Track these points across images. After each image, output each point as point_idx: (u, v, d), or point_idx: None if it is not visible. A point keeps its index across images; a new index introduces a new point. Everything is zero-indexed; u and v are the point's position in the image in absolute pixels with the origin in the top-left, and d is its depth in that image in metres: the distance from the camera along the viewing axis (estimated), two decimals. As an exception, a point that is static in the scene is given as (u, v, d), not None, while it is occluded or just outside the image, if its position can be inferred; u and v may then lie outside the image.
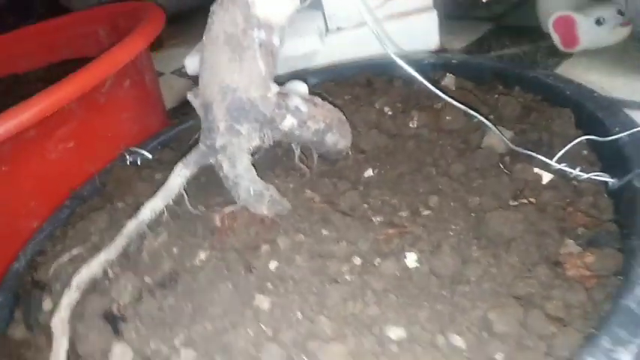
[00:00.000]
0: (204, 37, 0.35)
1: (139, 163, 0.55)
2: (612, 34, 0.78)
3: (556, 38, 0.83)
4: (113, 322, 0.34)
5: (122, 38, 0.67)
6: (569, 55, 0.83)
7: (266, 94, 0.36)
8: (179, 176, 0.36)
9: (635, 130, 0.37)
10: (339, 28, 0.98)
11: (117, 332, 0.33)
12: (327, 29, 0.98)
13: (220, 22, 0.34)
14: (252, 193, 0.37)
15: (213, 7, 0.34)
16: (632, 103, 0.68)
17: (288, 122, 0.37)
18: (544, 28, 0.84)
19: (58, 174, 0.61)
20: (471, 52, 0.95)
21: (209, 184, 0.42)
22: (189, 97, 0.37)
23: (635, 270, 0.27)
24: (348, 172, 0.43)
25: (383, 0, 0.74)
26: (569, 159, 0.38)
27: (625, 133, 0.36)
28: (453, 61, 0.55)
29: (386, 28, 0.95)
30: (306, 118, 0.38)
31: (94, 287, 0.35)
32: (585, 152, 0.39)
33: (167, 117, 0.87)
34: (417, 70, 0.55)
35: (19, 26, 1.06)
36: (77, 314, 0.34)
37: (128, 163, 0.56)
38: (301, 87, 0.39)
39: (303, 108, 0.37)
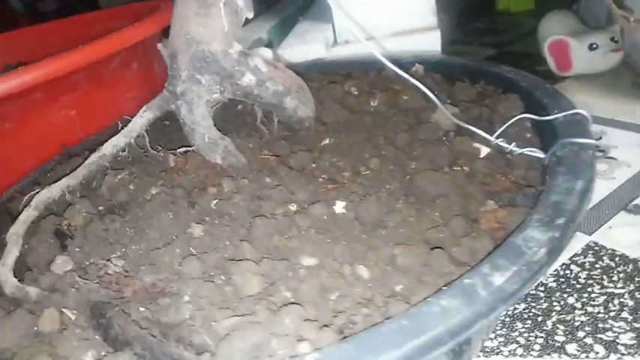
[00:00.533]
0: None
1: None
2: (604, 59, 0.80)
3: (551, 61, 0.85)
4: (62, 239, 0.37)
5: None
6: (562, 79, 0.85)
7: (227, 49, 0.39)
8: (142, 117, 0.40)
9: (570, 112, 0.38)
10: (346, 41, 1.02)
11: (63, 247, 0.36)
12: (335, 41, 1.03)
13: (191, -21, 0.38)
14: (206, 140, 0.40)
15: (187, -32, 0.39)
16: (614, 121, 0.69)
17: (247, 79, 0.40)
18: (543, 53, 0.86)
19: (57, 137, 0.66)
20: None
21: (174, 131, 0.45)
22: (159, 47, 0.40)
23: (532, 216, 0.29)
24: (307, 140, 0.45)
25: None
26: (512, 138, 0.40)
27: (561, 114, 0.38)
28: (431, 59, 0.58)
29: (391, 44, 1.00)
30: (265, 78, 0.41)
31: (52, 209, 0.39)
32: (529, 135, 0.41)
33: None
34: (399, 65, 0.58)
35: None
36: (32, 230, 0.37)
37: (120, 128, 0.60)
38: (266, 52, 0.42)
39: (263, 68, 0.41)
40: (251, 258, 0.32)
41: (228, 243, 0.33)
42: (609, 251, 0.47)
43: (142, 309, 0.29)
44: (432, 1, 0.96)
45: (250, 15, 0.41)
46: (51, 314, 0.30)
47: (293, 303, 0.28)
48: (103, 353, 0.28)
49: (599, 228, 0.51)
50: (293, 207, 0.36)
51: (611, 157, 0.61)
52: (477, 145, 0.40)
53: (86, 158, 0.41)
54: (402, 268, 0.30)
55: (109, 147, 0.39)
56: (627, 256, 0.46)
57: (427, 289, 0.29)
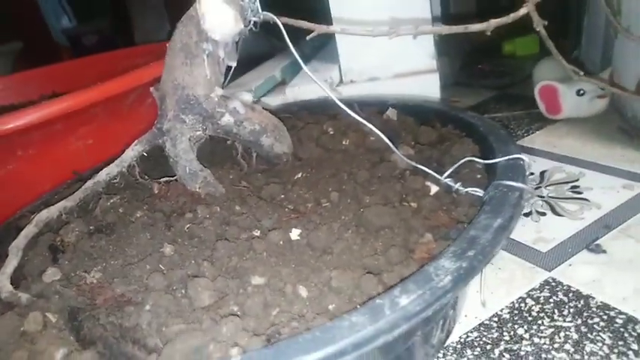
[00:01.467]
0: (167, 45, 0.45)
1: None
2: (591, 105, 0.83)
3: (541, 105, 0.89)
4: (55, 253, 0.42)
5: None
6: (553, 122, 0.88)
7: (209, 93, 0.45)
8: (133, 150, 0.46)
9: (511, 156, 0.42)
10: (352, 81, 1.09)
11: (55, 260, 0.41)
12: (341, 81, 1.09)
13: (180, 34, 0.44)
14: (187, 171, 0.45)
15: (178, 24, 0.45)
16: (595, 164, 0.72)
17: (226, 119, 0.46)
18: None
19: (74, 163, 0.73)
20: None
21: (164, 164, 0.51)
22: (152, 90, 0.47)
23: (449, 248, 0.33)
24: (282, 173, 0.50)
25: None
26: (464, 178, 0.44)
27: (502, 158, 0.42)
28: (409, 103, 0.62)
29: (392, 85, 1.05)
30: (243, 118, 0.46)
31: (51, 227, 0.44)
32: (479, 176, 0.45)
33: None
34: (378, 107, 0.63)
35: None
36: (31, 244, 0.43)
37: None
38: (246, 96, 0.48)
39: (241, 110, 0.46)
40: (209, 276, 0.36)
41: (193, 262, 0.38)
42: (565, 287, 0.50)
43: (109, 314, 0.34)
44: (431, 46, 1.02)
45: (233, 64, 0.47)
46: (35, 317, 0.35)
47: (235, 315, 0.32)
48: (73, 350, 0.33)
49: (559, 265, 0.53)
50: (256, 232, 0.41)
51: (583, 199, 0.64)
52: (428, 183, 0.44)
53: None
54: (336, 290, 0.34)
55: (103, 175, 0.45)
56: (581, 292, 0.49)
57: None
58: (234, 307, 0.34)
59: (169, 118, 0.45)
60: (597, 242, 0.55)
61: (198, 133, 0.46)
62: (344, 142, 0.53)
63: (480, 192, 0.41)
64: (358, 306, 0.31)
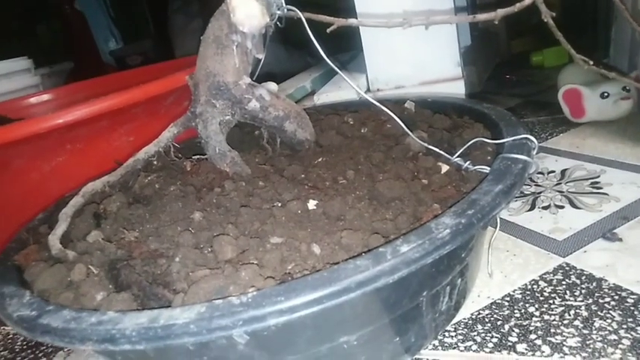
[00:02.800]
0: (201, 37, 0.50)
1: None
2: (615, 107, 0.83)
3: (565, 109, 0.90)
4: (98, 219, 0.47)
5: None
6: (577, 125, 0.89)
7: (238, 81, 0.49)
8: (169, 132, 0.50)
9: (519, 136, 0.44)
10: (379, 90, 1.13)
11: (98, 225, 0.46)
12: (368, 89, 1.13)
13: (212, 27, 0.49)
14: (217, 151, 0.50)
15: (211, 18, 0.50)
16: (616, 162, 0.72)
17: (253, 105, 0.50)
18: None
19: (116, 158, 0.79)
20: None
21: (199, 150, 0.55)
22: (187, 78, 0.52)
23: (450, 208, 0.35)
24: (304, 158, 0.54)
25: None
26: (475, 159, 0.46)
27: (509, 139, 0.45)
28: (428, 99, 0.65)
29: (419, 92, 1.09)
30: (268, 105, 0.51)
31: (95, 199, 0.49)
32: (489, 157, 0.47)
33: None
34: (398, 102, 0.66)
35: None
36: (78, 213, 0.48)
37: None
38: (271, 85, 0.52)
39: (267, 97, 0.51)
40: (232, 236, 0.40)
41: (219, 225, 0.42)
42: (578, 271, 0.51)
43: (143, 265, 0.38)
44: (456, 54, 1.05)
45: (260, 56, 0.52)
46: (80, 268, 0.40)
47: (253, 264, 0.36)
48: (111, 293, 0.37)
49: (574, 252, 0.54)
50: (277, 204, 0.45)
51: (602, 193, 0.64)
52: (439, 163, 0.47)
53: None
54: (346, 247, 0.37)
55: (142, 153, 0.50)
56: (593, 275, 0.50)
57: (363, 264, 0.35)
58: (253, 260, 0.37)
59: (202, 102, 0.49)
60: (614, 231, 0.56)
61: (227, 117, 0.50)
62: (362, 130, 0.56)
63: (487, 169, 0.43)
64: (362, 254, 0.34)
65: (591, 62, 0.52)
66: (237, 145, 0.56)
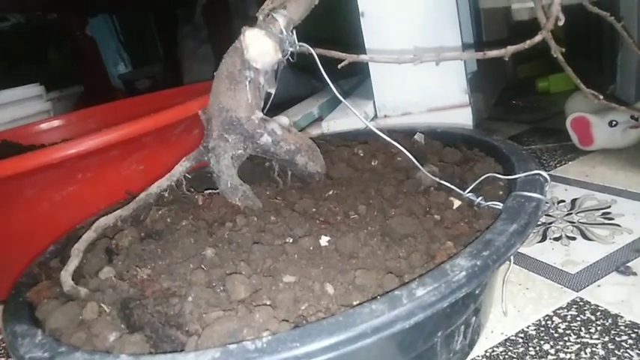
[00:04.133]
0: (214, 73, 0.51)
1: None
2: (624, 135, 0.83)
3: (574, 137, 0.90)
4: (110, 255, 0.47)
5: None
6: (586, 153, 0.89)
7: (250, 116, 0.50)
8: (181, 166, 0.51)
9: (531, 172, 0.44)
10: (386, 116, 1.13)
11: (110, 261, 0.46)
12: (375, 116, 1.14)
13: (226, 63, 0.50)
14: (229, 185, 0.50)
15: (224, 55, 0.51)
16: (626, 192, 0.72)
17: (265, 139, 0.50)
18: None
19: (126, 186, 0.80)
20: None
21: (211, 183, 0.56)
22: (200, 113, 0.52)
23: (465, 249, 0.35)
24: (315, 190, 0.54)
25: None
26: (486, 194, 0.46)
27: (522, 174, 0.45)
28: (438, 130, 0.66)
29: (426, 119, 1.09)
30: (280, 139, 0.51)
31: (107, 233, 0.50)
32: (501, 192, 0.47)
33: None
34: (407, 134, 0.67)
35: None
36: (90, 248, 0.48)
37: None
38: (283, 120, 0.53)
39: (279, 131, 0.51)
40: (245, 274, 0.40)
41: (231, 263, 0.42)
42: (592, 306, 0.50)
43: (156, 304, 0.38)
44: (463, 81, 1.06)
45: (272, 90, 0.53)
46: (92, 306, 0.40)
47: (267, 305, 0.36)
48: (123, 334, 0.36)
49: (587, 286, 0.53)
50: (289, 239, 0.45)
51: (614, 224, 0.64)
52: (451, 198, 0.47)
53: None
54: (360, 287, 0.37)
55: (155, 187, 0.50)
56: (609, 312, 0.49)
57: (378, 305, 0.35)
58: (266, 300, 0.37)
59: (214, 137, 0.50)
60: (627, 265, 0.55)
61: (239, 151, 0.51)
62: (372, 163, 0.56)
63: (500, 205, 0.43)
64: (378, 297, 0.34)
65: (601, 97, 0.52)
66: (247, 177, 0.56)
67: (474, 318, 0.42)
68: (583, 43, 1.35)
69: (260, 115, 0.51)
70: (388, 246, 0.42)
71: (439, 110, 1.07)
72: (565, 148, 0.93)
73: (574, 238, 0.63)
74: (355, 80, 1.46)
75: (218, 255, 0.43)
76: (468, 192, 0.46)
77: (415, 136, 0.61)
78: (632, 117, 0.84)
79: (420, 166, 0.48)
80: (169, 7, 2.15)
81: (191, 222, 0.48)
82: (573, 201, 0.73)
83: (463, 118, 1.05)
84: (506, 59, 0.48)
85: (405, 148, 0.48)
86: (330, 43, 0.52)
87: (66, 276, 0.44)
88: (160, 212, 0.51)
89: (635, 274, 0.53)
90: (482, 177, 0.46)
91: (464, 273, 0.32)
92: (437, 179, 0.48)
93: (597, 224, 0.65)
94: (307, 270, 0.40)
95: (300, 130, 1.16)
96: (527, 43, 0.48)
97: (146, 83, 2.66)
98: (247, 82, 0.49)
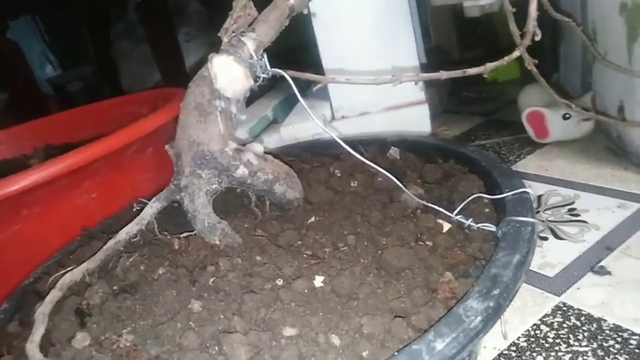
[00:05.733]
0: (181, 104, 0.47)
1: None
2: (577, 128, 0.86)
3: (530, 130, 0.92)
4: (82, 316, 0.42)
5: None
6: (542, 145, 0.92)
7: (224, 148, 0.46)
8: (151, 208, 0.47)
9: (517, 191, 0.44)
10: (343, 117, 1.12)
11: (83, 324, 0.42)
12: (333, 117, 1.12)
13: (193, 93, 0.46)
14: (206, 224, 0.46)
15: (190, 84, 0.47)
16: (588, 186, 0.74)
17: (241, 171, 0.47)
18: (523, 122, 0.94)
19: (79, 218, 0.73)
20: (460, 141, 1.05)
21: (184, 221, 0.52)
22: (167, 148, 0.48)
23: (474, 288, 0.34)
24: (296, 218, 0.52)
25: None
26: (473, 213, 0.46)
27: (509, 193, 0.44)
28: (408, 139, 0.65)
29: (384, 118, 1.09)
30: (256, 169, 0.48)
31: (74, 290, 0.45)
32: (487, 210, 0.47)
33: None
34: (378, 145, 0.65)
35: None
36: (56, 309, 0.43)
37: (134, 210, 0.67)
38: (257, 147, 0.50)
39: (254, 161, 0.48)
40: (240, 330, 0.37)
41: (222, 317, 0.39)
42: (576, 311, 0.52)
43: (147, 377, 0.34)
44: (418, 78, 1.05)
45: (243, 117, 0.49)
46: (71, 384, 0.36)
47: (273, 369, 0.33)
48: (114, 417, 0.33)
49: (567, 289, 0.55)
50: (279, 282, 0.42)
51: (582, 221, 0.66)
52: (440, 221, 0.46)
53: (105, 242, 0.48)
54: (368, 336, 0.35)
55: (123, 234, 0.46)
56: (592, 316, 0.50)
57: (389, 354, 0.34)
58: (270, 360, 0.34)
59: (186, 174, 0.46)
60: (601, 264, 0.57)
61: (214, 186, 0.47)
62: (352, 184, 0.54)
63: (491, 227, 0.43)
64: (395, 353, 0.32)
65: (573, 105, 0.53)
66: (221, 207, 0.52)
67: (477, 345, 0.41)
68: (521, 28, 1.39)
69: (234, 145, 0.48)
70: (386, 282, 0.40)
71: (396, 108, 1.07)
72: (522, 141, 0.96)
73: (546, 238, 0.64)
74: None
75: (206, 308, 0.40)
76: (457, 214, 0.45)
77: (390, 151, 0.60)
78: (583, 109, 0.87)
79: (405, 189, 0.47)
80: (98, 7, 2.01)
81: (169, 269, 0.45)
82: (539, 198, 0.75)
83: (420, 115, 1.05)
84: (486, 77, 0.47)
85: (382, 167, 0.47)
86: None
87: (33, 348, 0.39)
88: (130, 259, 0.47)
89: (609, 273, 0.55)
90: (470, 198, 0.46)
91: (479, 318, 0.31)
92: (424, 202, 0.47)
93: (566, 222, 0.67)
94: (307, 318, 0.38)
95: (256, 137, 1.13)
96: (506, 59, 0.47)
97: (78, 86, 2.49)
98: (218, 113, 0.46)
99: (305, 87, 1.34)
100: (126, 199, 0.78)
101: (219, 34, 0.50)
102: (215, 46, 0.48)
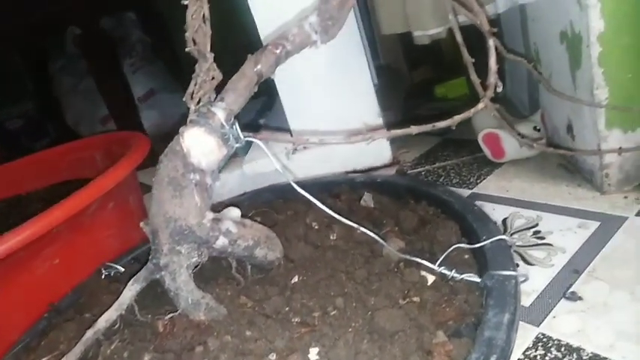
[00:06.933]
0: (153, 180, 0.46)
1: (112, 276, 0.63)
2: (530, 147, 0.90)
3: (486, 151, 0.96)
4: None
5: (114, 162, 0.78)
6: (499, 165, 0.95)
7: (201, 220, 0.45)
8: (130, 290, 0.45)
9: (495, 238, 0.46)
10: (305, 147, 1.12)
11: None
12: (295, 149, 1.12)
13: (165, 168, 0.45)
14: (190, 302, 0.45)
15: (161, 157, 0.46)
16: (548, 206, 0.78)
17: (221, 242, 0.46)
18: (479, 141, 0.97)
19: (43, 288, 0.69)
20: (420, 164, 1.08)
21: (162, 295, 0.50)
22: (142, 225, 0.46)
23: (471, 355, 0.35)
24: (279, 278, 0.51)
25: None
26: (453, 262, 0.47)
27: (488, 241, 0.46)
28: (378, 180, 0.66)
29: (344, 146, 1.10)
30: (236, 237, 0.47)
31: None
32: (467, 256, 0.48)
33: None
34: (348, 187, 0.66)
35: (33, 147, 1.21)
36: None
37: (103, 277, 0.64)
38: (234, 212, 0.49)
39: (234, 229, 0.47)
40: (242, 419, 0.36)
41: (221, 405, 0.38)
42: (556, 342, 0.54)
43: None
44: (376, 104, 1.08)
45: (217, 183, 0.48)
46: None
47: None
48: None
49: (545, 318, 0.57)
50: (273, 356, 0.42)
51: (547, 244, 0.69)
52: (424, 273, 0.47)
53: (76, 321, 0.46)
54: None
55: (102, 322, 0.44)
56: (571, 345, 0.53)
57: None
58: None
59: (165, 252, 0.45)
60: (572, 290, 0.60)
61: (194, 259, 0.46)
62: (331, 237, 0.55)
63: (474, 277, 0.44)
64: None
65: (535, 145, 0.55)
66: (199, 273, 0.51)
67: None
68: (469, 47, 1.45)
69: (211, 215, 0.47)
70: (381, 347, 0.40)
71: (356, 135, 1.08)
72: (479, 161, 0.99)
73: (517, 265, 0.67)
74: (260, 103, 1.42)
75: (201, 396, 0.39)
76: (439, 265, 0.46)
77: (364, 197, 0.60)
78: (534, 128, 0.91)
79: (387, 245, 0.48)
80: (34, 40, 1.92)
81: (155, 355, 0.43)
82: (504, 221, 0.77)
83: (380, 142, 1.07)
84: (453, 128, 0.49)
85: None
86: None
87: None
88: (112, 347, 0.45)
89: (581, 298, 0.58)
90: (450, 249, 0.47)
91: (482, 389, 0.32)
92: (406, 256, 0.47)
93: (533, 246, 0.70)
94: (307, 397, 0.37)
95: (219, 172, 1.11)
96: (472, 111, 0.49)
97: (18, 123, 2.37)
98: (194, 186, 0.45)
99: (259, 112, 1.33)
100: (91, 261, 0.75)
101: (184, 100, 0.49)
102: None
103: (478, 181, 0.93)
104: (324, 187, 0.69)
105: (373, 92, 1.07)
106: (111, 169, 0.78)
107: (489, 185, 0.90)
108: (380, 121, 1.07)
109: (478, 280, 0.44)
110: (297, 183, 0.85)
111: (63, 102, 1.99)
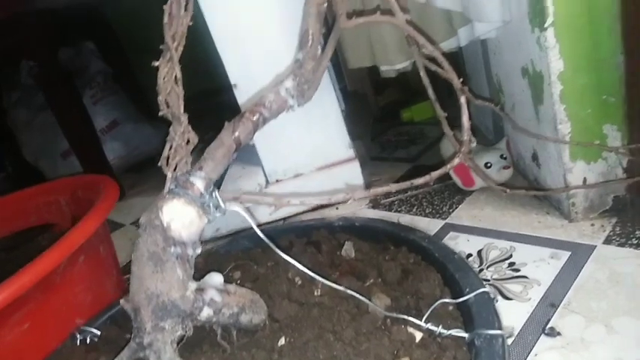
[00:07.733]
0: (132, 255, 0.44)
1: (87, 342, 0.61)
2: (498, 175, 0.93)
3: (457, 180, 0.98)
4: None
5: (80, 207, 0.75)
6: (469, 193, 0.98)
7: (185, 293, 0.44)
8: (113, 372, 0.43)
9: (478, 291, 0.47)
10: (277, 180, 1.12)
11: None
12: (267, 182, 1.11)
13: (144, 242, 0.44)
14: (176, 378, 0.44)
15: (140, 231, 0.44)
16: (520, 236, 0.80)
17: (205, 313, 0.45)
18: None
19: (13, 354, 0.66)
20: (393, 194, 1.09)
21: None
22: (122, 302, 0.45)
23: None
24: (265, 341, 0.50)
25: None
26: (438, 315, 0.48)
27: (471, 295, 0.47)
28: (356, 224, 0.66)
29: (317, 178, 1.10)
30: (221, 306, 0.46)
31: None
32: (451, 308, 0.49)
33: (122, 275, 0.93)
34: (327, 232, 0.66)
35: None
36: None
37: (78, 342, 0.62)
38: (217, 278, 0.48)
39: (218, 298, 0.46)
40: None
41: None
42: (541, 383, 0.55)
43: None
44: (346, 137, 1.09)
45: (198, 251, 0.47)
46: None
47: None
48: None
49: (527, 357, 0.58)
50: None
51: (522, 276, 0.71)
52: (411, 330, 0.47)
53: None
54: None
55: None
56: (556, 386, 0.54)
57: None
58: None
59: (148, 330, 0.43)
60: (550, 325, 0.61)
61: (178, 333, 0.45)
62: (315, 293, 0.54)
63: (461, 332, 0.45)
64: None
65: (508, 190, 0.57)
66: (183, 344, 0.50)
67: None
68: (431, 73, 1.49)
69: (194, 286, 0.46)
70: (376, 415, 0.40)
71: (328, 167, 1.09)
72: (450, 189, 1.01)
73: (496, 300, 0.68)
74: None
75: None
76: (425, 321, 0.47)
77: (345, 247, 0.60)
78: (501, 156, 0.94)
79: (372, 303, 0.48)
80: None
81: None
82: (479, 253, 0.79)
83: (352, 172, 1.08)
84: (430, 182, 0.49)
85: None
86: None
87: None
88: None
89: (559, 334, 0.60)
90: (435, 304, 0.47)
91: None
92: (393, 314, 0.48)
93: (509, 279, 0.71)
94: None
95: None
96: (448, 167, 0.50)
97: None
98: (175, 259, 0.44)
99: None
100: (64, 321, 0.72)
101: (159, 164, 0.48)
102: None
103: (450, 210, 0.95)
104: (302, 233, 0.69)
105: (344, 126, 1.09)
106: (81, 221, 0.75)
107: (462, 215, 0.92)
108: (351, 152, 1.09)
109: (465, 335, 0.44)
110: (275, 226, 0.85)
111: (19, 137, 1.92)
